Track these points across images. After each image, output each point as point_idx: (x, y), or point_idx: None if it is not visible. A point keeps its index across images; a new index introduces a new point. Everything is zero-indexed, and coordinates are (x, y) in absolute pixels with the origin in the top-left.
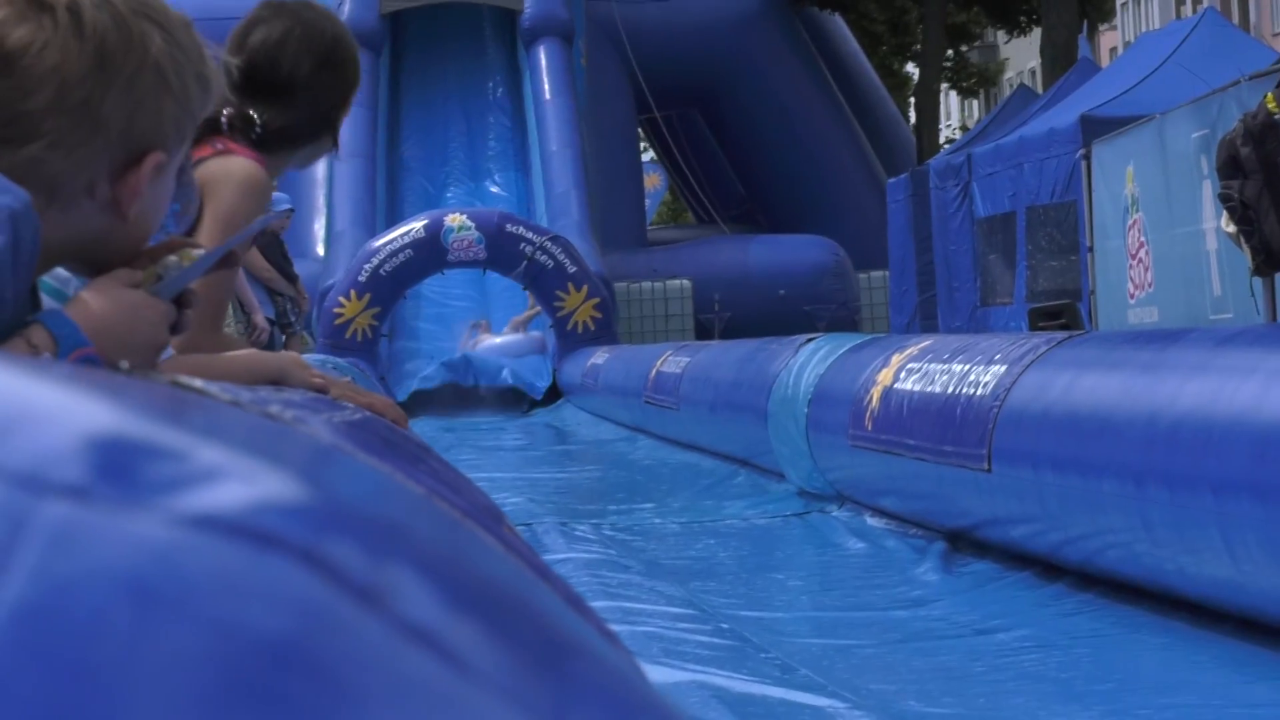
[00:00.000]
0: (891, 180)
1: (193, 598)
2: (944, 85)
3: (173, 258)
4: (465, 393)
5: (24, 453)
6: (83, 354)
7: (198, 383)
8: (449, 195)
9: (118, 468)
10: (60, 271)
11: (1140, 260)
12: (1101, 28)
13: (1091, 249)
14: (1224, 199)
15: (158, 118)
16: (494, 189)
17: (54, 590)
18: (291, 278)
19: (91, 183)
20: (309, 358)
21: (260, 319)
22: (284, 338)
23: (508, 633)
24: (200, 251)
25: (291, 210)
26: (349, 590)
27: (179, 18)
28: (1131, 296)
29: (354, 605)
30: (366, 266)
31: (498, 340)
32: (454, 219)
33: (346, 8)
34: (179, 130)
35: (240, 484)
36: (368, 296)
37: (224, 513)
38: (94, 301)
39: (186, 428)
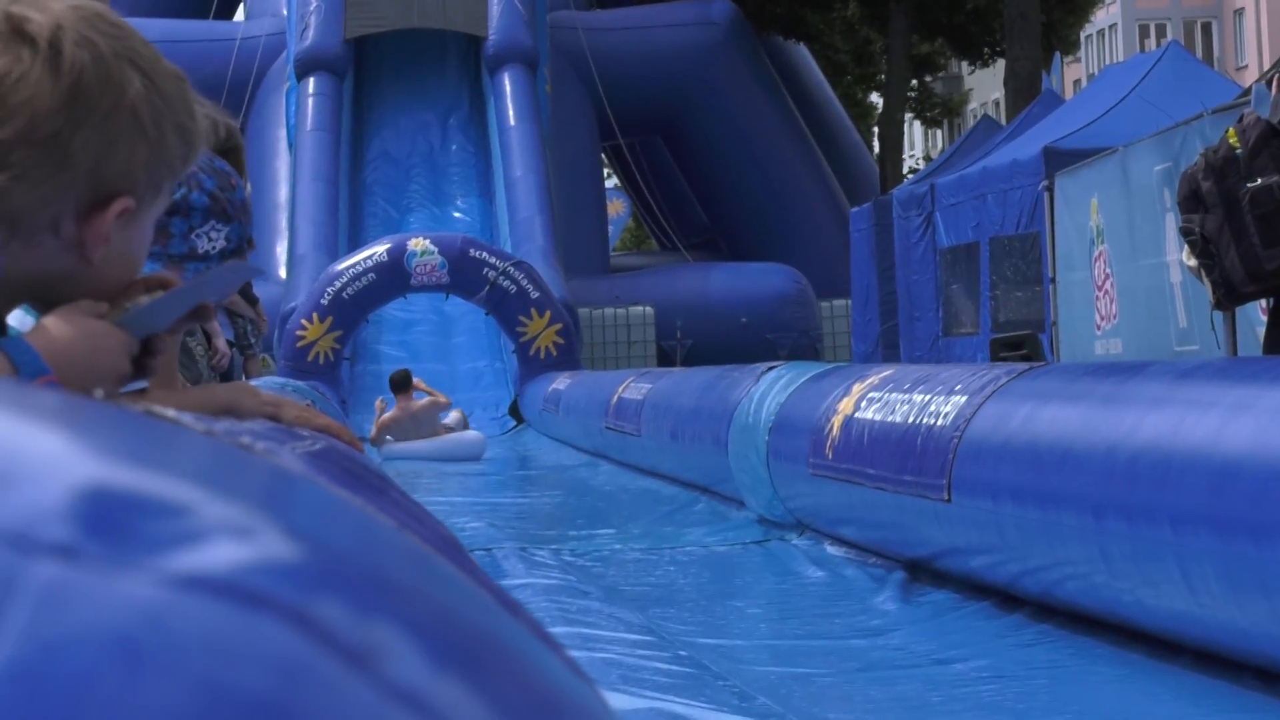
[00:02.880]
0: (855, 209)
1: (181, 659)
2: (908, 115)
3: (145, 296)
4: None
5: (13, 510)
6: (44, 382)
7: (170, 412)
8: (412, 220)
9: (106, 525)
10: (23, 315)
11: (1106, 292)
12: (1066, 60)
13: (1054, 280)
14: (1185, 233)
15: (129, 162)
16: (457, 214)
17: (43, 651)
18: (252, 300)
19: (56, 220)
20: (269, 380)
21: (222, 343)
22: (243, 360)
23: (494, 692)
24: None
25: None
26: (337, 651)
27: (169, 69)
28: (1098, 328)
29: (342, 667)
30: (329, 290)
31: (419, 443)
32: (417, 243)
33: (311, 33)
34: (152, 179)
35: (230, 542)
36: (330, 320)
37: (213, 572)
38: (56, 328)
39: (174, 477)
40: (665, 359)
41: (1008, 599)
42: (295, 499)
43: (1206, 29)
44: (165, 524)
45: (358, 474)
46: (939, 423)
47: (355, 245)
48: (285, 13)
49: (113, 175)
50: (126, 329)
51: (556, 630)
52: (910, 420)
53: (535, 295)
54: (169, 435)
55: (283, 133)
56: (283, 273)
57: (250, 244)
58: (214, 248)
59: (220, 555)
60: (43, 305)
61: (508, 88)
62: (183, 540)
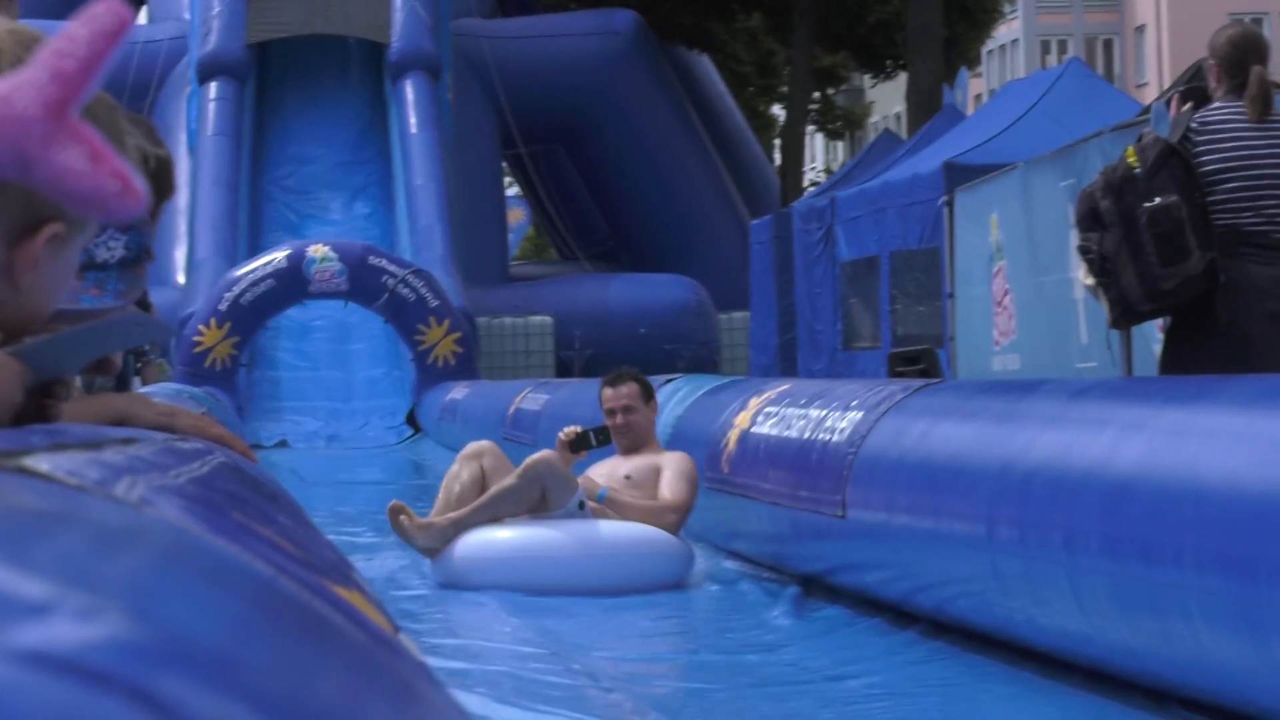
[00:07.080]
0: (755, 221)
1: None
2: (810, 127)
3: (44, 332)
4: None
5: None
6: None
7: (44, 466)
8: (312, 226)
9: None
10: None
11: (1004, 307)
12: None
13: (953, 295)
14: (1083, 251)
15: None
16: (358, 221)
17: None
18: (146, 306)
19: None
20: (165, 387)
21: None
22: (139, 366)
23: None
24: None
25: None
26: None
27: (103, 98)
28: (996, 344)
29: None
30: (227, 295)
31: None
32: (316, 250)
33: (213, 37)
34: None
35: (72, 619)
36: (228, 325)
37: (55, 649)
38: None
39: (22, 553)
40: (564, 369)
41: (901, 615)
42: (154, 573)
43: (1108, 45)
44: (10, 599)
45: (244, 499)
46: (835, 438)
47: (255, 251)
48: (188, 17)
49: (44, 200)
50: (21, 359)
51: (448, 643)
52: (806, 435)
53: (434, 303)
54: (37, 503)
55: (184, 137)
56: (181, 278)
57: (149, 255)
58: (113, 256)
59: (65, 633)
60: None
61: (410, 95)
62: (26, 616)
